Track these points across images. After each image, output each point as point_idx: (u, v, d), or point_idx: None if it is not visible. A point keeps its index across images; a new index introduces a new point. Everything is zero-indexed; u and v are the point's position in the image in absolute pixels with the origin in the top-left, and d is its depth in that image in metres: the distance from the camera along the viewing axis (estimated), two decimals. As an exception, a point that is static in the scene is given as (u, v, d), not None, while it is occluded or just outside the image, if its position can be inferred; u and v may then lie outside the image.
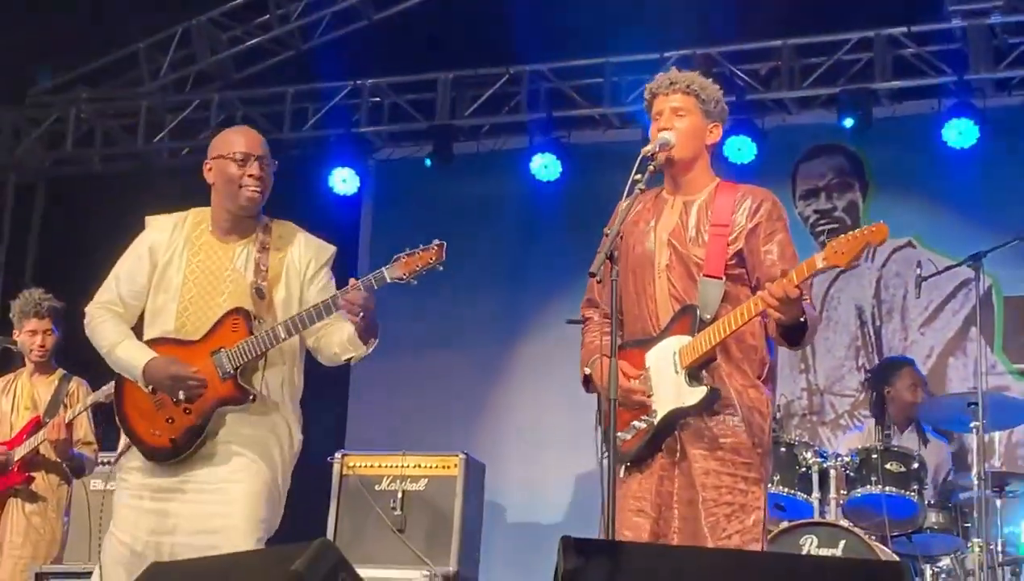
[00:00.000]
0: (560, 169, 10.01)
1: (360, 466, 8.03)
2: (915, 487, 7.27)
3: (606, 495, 4.29)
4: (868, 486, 7.24)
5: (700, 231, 4.90)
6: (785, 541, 6.76)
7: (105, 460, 7.45)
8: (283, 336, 4.91)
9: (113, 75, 11.15)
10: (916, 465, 7.33)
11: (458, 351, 10.35)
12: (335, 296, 4.87)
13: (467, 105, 10.45)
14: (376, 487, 7.93)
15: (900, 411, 8.13)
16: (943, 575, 7.35)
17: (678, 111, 4.94)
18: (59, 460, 7.09)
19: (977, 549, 7.12)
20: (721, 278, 4.82)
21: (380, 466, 8.00)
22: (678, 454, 4.78)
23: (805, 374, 9.60)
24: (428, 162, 10.38)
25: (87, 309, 5.18)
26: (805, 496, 7.25)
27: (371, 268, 4.97)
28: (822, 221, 9.96)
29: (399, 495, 7.87)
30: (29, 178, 11.49)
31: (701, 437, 4.75)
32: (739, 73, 9.61)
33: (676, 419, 4.77)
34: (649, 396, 4.81)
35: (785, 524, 6.95)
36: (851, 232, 4.50)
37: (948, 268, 8.25)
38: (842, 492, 7.25)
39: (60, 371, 7.36)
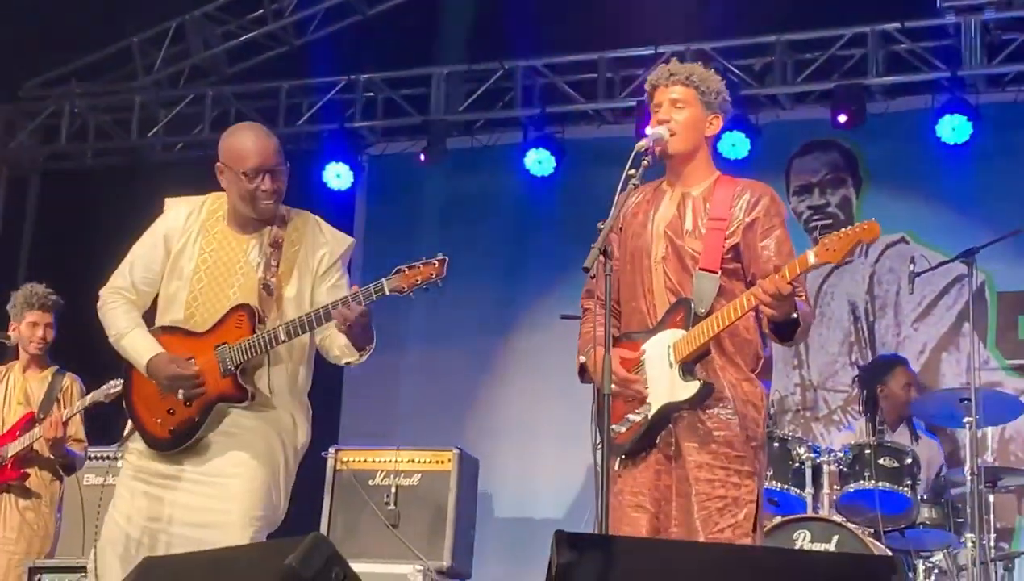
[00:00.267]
0: (554, 164, 10.01)
1: (354, 461, 8.04)
2: (908, 482, 7.28)
3: (601, 488, 4.30)
4: (861, 481, 7.24)
5: (697, 224, 4.91)
6: (778, 536, 6.76)
7: (99, 455, 7.46)
8: (282, 338, 4.90)
9: (107, 70, 11.15)
10: (909, 461, 7.34)
11: (452, 346, 10.36)
12: (331, 305, 4.84)
13: (461, 100, 10.46)
14: (369, 482, 7.93)
15: (893, 409, 8.15)
16: (936, 570, 7.36)
17: (677, 103, 4.95)
18: (54, 456, 7.09)
19: (970, 544, 7.12)
20: (717, 272, 4.83)
21: (374, 461, 8.01)
22: (672, 447, 4.79)
23: (798, 370, 9.61)
24: (422, 158, 10.38)
25: (101, 292, 5.17)
26: (798, 491, 7.26)
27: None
28: (816, 217, 9.97)
29: (393, 490, 7.87)
30: (22, 172, 11.50)
31: (695, 430, 4.76)
32: (733, 68, 9.60)
33: (669, 413, 4.78)
34: (645, 387, 4.82)
35: (778, 519, 6.96)
36: (843, 229, 4.52)
37: (941, 264, 8.25)
38: (835, 487, 7.26)
39: (53, 367, 7.36)
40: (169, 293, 5.07)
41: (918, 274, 9.01)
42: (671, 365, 4.77)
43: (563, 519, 9.09)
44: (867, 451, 7.31)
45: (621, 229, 4.98)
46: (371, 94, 10.68)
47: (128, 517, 4.94)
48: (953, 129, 9.23)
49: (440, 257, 4.85)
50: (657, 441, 4.81)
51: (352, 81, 10.62)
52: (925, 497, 7.43)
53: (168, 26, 10.89)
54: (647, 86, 5.06)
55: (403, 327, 10.36)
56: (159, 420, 5.00)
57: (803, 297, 4.72)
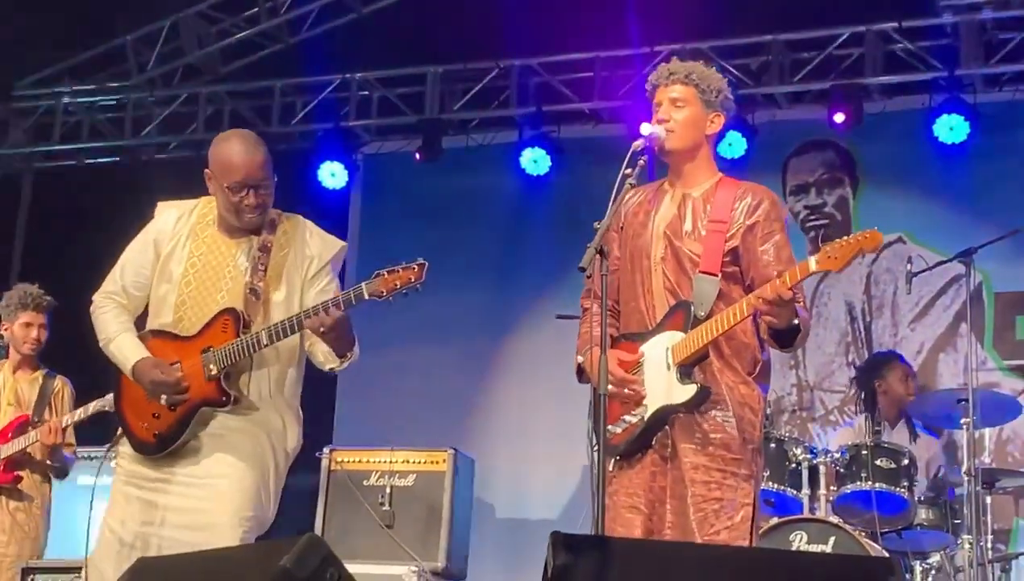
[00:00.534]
0: (550, 163, 10.02)
1: (348, 461, 8.05)
2: (905, 483, 7.28)
3: (596, 488, 4.30)
4: (858, 482, 7.25)
5: (697, 225, 4.91)
6: (775, 537, 6.77)
7: (88, 455, 7.45)
8: (265, 342, 4.91)
9: (100, 68, 11.15)
10: (906, 461, 7.35)
11: (447, 346, 10.36)
12: (316, 308, 4.83)
13: (456, 99, 10.47)
14: (364, 482, 7.94)
15: (892, 404, 8.15)
16: (933, 571, 7.36)
17: (676, 101, 4.95)
18: (50, 461, 7.11)
19: (967, 546, 7.13)
20: (717, 275, 4.83)
21: (368, 461, 8.02)
22: (669, 449, 4.79)
23: (795, 370, 9.62)
24: (417, 157, 10.38)
25: (94, 297, 5.19)
26: (795, 492, 7.26)
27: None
28: (812, 217, 9.98)
29: (387, 490, 7.88)
30: (15, 171, 11.49)
31: (691, 433, 4.76)
32: (729, 68, 9.59)
33: (666, 415, 4.78)
34: (643, 389, 4.82)
35: (775, 520, 6.97)
36: (845, 238, 4.54)
37: (939, 264, 8.26)
38: (832, 488, 7.27)
39: (43, 369, 7.36)
40: (159, 296, 5.09)
41: (915, 274, 9.01)
42: (669, 367, 4.78)
43: (558, 520, 9.10)
44: (864, 452, 7.32)
45: (622, 228, 5.00)
46: (366, 93, 10.69)
47: (121, 522, 4.97)
48: (950, 129, 9.24)
49: (420, 261, 4.82)
50: (653, 443, 4.82)
51: (347, 80, 10.63)
52: (922, 498, 7.44)
53: (162, 25, 10.89)
54: (648, 85, 5.06)
55: (397, 327, 10.35)
56: (145, 424, 5.03)
57: (802, 302, 4.73)
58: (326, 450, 8.13)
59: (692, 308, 4.79)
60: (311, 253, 5.11)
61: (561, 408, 8.15)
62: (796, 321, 4.63)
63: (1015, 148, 9.42)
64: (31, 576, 7.25)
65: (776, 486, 7.23)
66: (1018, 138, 9.45)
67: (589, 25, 9.72)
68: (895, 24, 9.53)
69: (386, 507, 7.84)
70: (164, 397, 4.95)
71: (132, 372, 4.98)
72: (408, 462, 7.96)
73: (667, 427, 4.79)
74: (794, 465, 7.32)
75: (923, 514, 7.40)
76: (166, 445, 4.96)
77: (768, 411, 5.59)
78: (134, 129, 10.98)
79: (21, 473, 7.20)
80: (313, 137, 10.70)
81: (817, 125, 9.87)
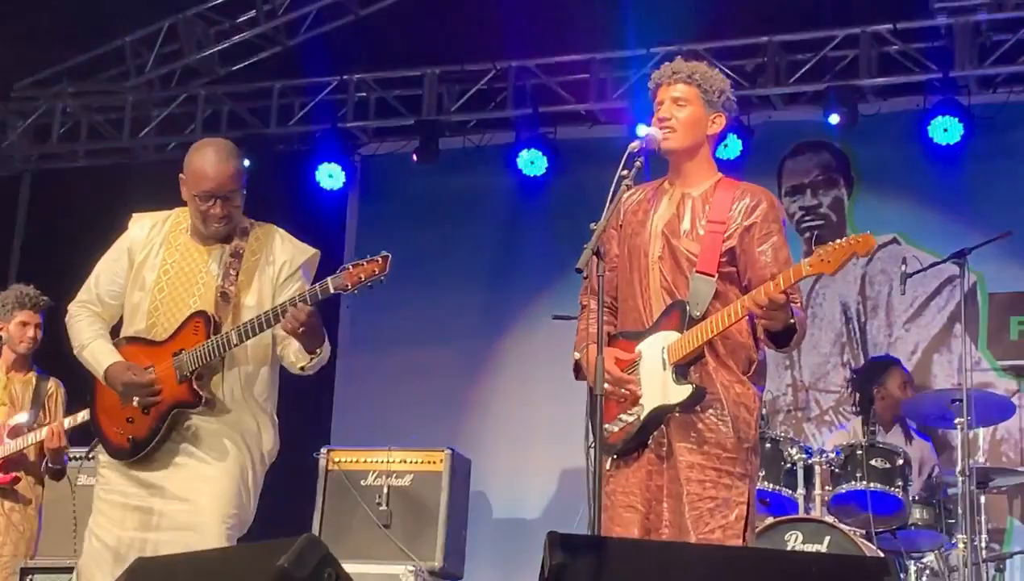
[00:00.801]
0: (546, 164, 10.03)
1: (346, 461, 8.05)
2: (900, 483, 7.29)
3: (593, 489, 4.30)
4: (853, 482, 7.26)
5: (695, 225, 4.91)
6: (770, 537, 6.77)
7: (77, 455, 7.44)
8: (235, 341, 4.95)
9: (99, 69, 11.14)
10: (901, 461, 7.36)
11: (443, 346, 10.37)
12: (283, 304, 4.88)
13: (453, 100, 10.47)
14: (362, 482, 7.94)
15: (888, 410, 8.16)
16: (927, 571, 7.37)
17: (678, 101, 4.96)
18: (51, 464, 7.12)
19: (961, 545, 7.13)
20: (713, 276, 4.83)
21: (366, 461, 8.02)
22: (665, 448, 4.79)
23: (790, 370, 9.62)
24: (414, 158, 10.39)
25: (69, 307, 5.27)
26: (790, 492, 7.27)
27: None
28: (807, 217, 9.98)
29: (384, 490, 7.88)
30: (14, 171, 11.49)
31: (687, 432, 4.77)
32: (725, 69, 9.53)
33: (662, 415, 4.79)
34: (639, 388, 4.82)
35: (770, 520, 6.97)
36: (839, 241, 4.55)
37: (933, 265, 8.29)
38: (827, 488, 7.27)
39: (34, 370, 7.37)
40: (132, 304, 5.15)
41: (910, 275, 9.02)
42: (665, 367, 4.78)
43: (555, 519, 9.09)
44: (859, 452, 7.33)
45: (621, 226, 5.00)
46: (363, 94, 10.69)
47: (106, 528, 5.02)
48: (945, 130, 9.25)
49: (383, 254, 4.87)
50: (649, 442, 4.82)
51: (344, 81, 10.63)
52: (917, 498, 7.44)
53: (160, 26, 10.88)
54: (650, 84, 5.07)
55: (394, 327, 10.37)
56: (119, 430, 5.08)
57: (799, 303, 4.73)
58: (323, 450, 8.13)
59: (688, 308, 4.80)
60: (282, 259, 5.16)
61: (558, 408, 8.16)
62: (792, 321, 4.63)
63: (1009, 150, 9.43)
64: (30, 576, 7.26)
65: (771, 486, 7.23)
66: (1012, 139, 9.46)
67: (585, 27, 9.73)
68: (890, 26, 9.54)
69: (383, 507, 7.84)
70: (136, 399, 4.99)
71: (105, 376, 5.04)
72: (405, 462, 7.97)
73: (663, 426, 4.79)
74: (789, 465, 7.32)
75: (917, 514, 7.41)
76: (140, 449, 5.01)
77: (764, 411, 5.59)
78: (132, 130, 10.97)
79: (18, 475, 7.21)
80: (311, 138, 10.70)
81: (812, 126, 9.89)
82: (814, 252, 4.57)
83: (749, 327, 4.82)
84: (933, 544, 7.45)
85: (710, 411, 4.77)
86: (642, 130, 4.88)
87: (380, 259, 4.86)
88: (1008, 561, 7.90)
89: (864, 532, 7.04)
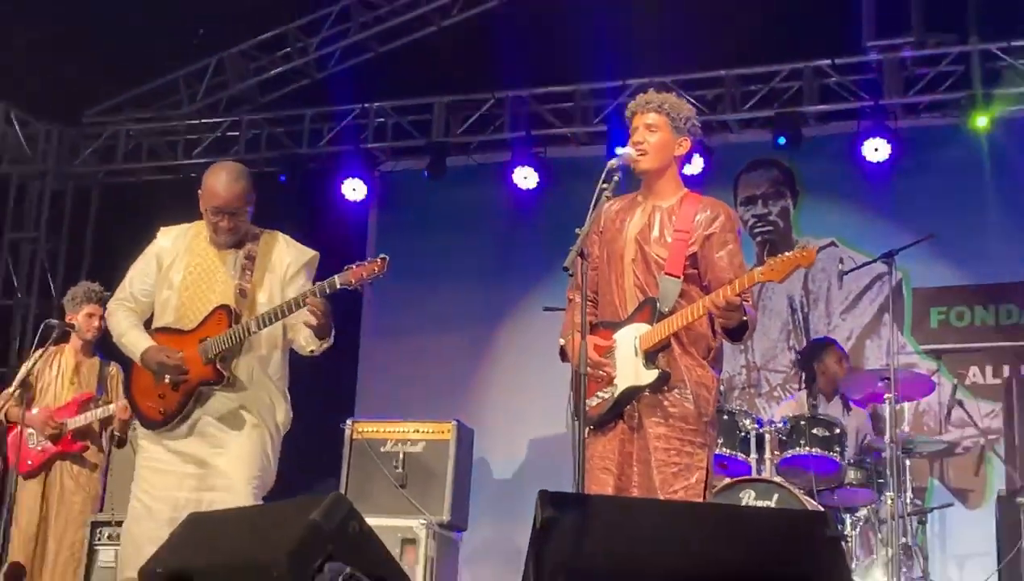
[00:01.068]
0: (537, 180, 10.01)
1: (367, 431, 8.05)
2: (837, 449, 7.31)
3: (576, 454, 4.32)
4: (798, 448, 7.28)
5: (664, 233, 4.93)
6: (727, 495, 6.79)
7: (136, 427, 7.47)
8: (254, 329, 5.03)
9: (157, 99, 11.13)
10: (838, 430, 7.38)
11: (451, 333, 10.36)
12: (300, 298, 4.94)
13: (458, 125, 10.46)
14: (381, 449, 7.94)
15: (828, 382, 8.18)
16: (861, 523, 7.39)
17: (651, 127, 4.97)
18: (118, 433, 7.14)
19: (889, 501, 7.15)
20: (680, 277, 4.85)
21: (384, 431, 8.02)
22: (636, 421, 4.81)
23: (744, 354, 9.63)
24: (425, 174, 10.40)
25: (108, 304, 5.42)
26: (744, 456, 7.29)
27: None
28: (759, 224, 9.99)
29: (400, 456, 7.89)
30: (85, 187, 11.48)
31: (655, 408, 4.79)
32: (689, 99, 9.57)
33: (633, 394, 4.81)
34: (614, 370, 4.84)
35: (727, 480, 6.99)
36: (786, 254, 4.58)
37: (865, 264, 8.30)
38: (776, 453, 7.29)
39: (98, 355, 7.38)
40: (162, 300, 5.22)
41: (846, 273, 9.10)
42: (637, 354, 4.80)
43: (544, 480, 9.08)
44: (802, 422, 7.35)
45: (602, 232, 5.02)
46: (382, 120, 10.67)
47: (146, 492, 5.10)
48: (875, 150, 9.24)
49: (382, 256, 4.92)
50: (623, 415, 4.84)
51: (366, 108, 10.61)
52: (852, 461, 7.46)
53: (209, 62, 10.89)
54: (627, 112, 5.08)
55: (409, 317, 10.38)
56: (151, 404, 5.15)
57: (750, 302, 4.76)
58: (348, 422, 8.13)
59: (658, 304, 4.81)
60: (287, 260, 5.22)
61: (547, 386, 8.15)
62: (745, 319, 4.67)
63: (930, 166, 9.43)
64: (99, 528, 7.27)
65: (728, 451, 7.25)
66: (933, 158, 9.46)
67: (570, 62, 9.73)
68: (828, 61, 9.53)
69: (399, 470, 7.84)
70: (168, 377, 5.06)
71: (141, 357, 5.11)
72: (418, 432, 7.97)
73: (635, 402, 4.81)
74: (743, 434, 7.34)
75: (852, 475, 7.43)
76: (170, 420, 5.08)
77: (721, 389, 5.60)
78: (185, 151, 10.96)
79: (86, 443, 7.23)
80: (337, 157, 10.68)
81: (763, 147, 9.87)
82: (765, 262, 4.59)
83: (708, 320, 4.84)
84: (866, 500, 7.46)
85: (675, 390, 4.79)
86: (620, 151, 4.89)
87: (379, 260, 4.91)
88: (928, 515, 7.93)
89: (807, 490, 7.05)
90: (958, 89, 9.26)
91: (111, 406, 7.15)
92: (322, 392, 8.48)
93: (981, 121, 9.16)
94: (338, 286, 4.91)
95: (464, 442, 8.04)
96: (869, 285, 9.44)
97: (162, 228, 5.36)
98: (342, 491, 7.63)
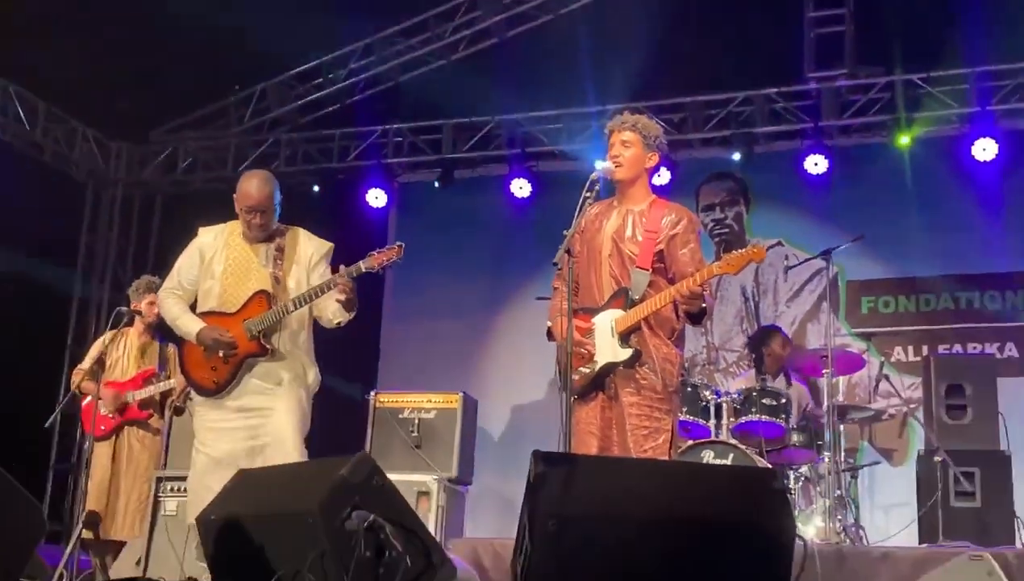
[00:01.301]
0: (531, 189, 10.01)
1: (388, 401, 8.03)
2: (783, 416, 7.31)
3: (564, 419, 4.32)
4: (750, 415, 7.27)
5: (635, 233, 4.94)
6: (690, 454, 6.78)
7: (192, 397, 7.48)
8: (292, 309, 5.12)
9: (211, 121, 11.12)
10: (784, 400, 7.37)
11: (458, 318, 10.35)
12: (330, 281, 5.03)
13: (464, 143, 10.44)
14: (400, 416, 7.93)
15: (774, 363, 8.18)
16: (803, 479, 7.39)
17: (626, 143, 4.98)
18: (178, 403, 7.15)
19: (827, 460, 7.15)
20: (649, 270, 4.87)
21: (403, 401, 8.00)
22: (612, 392, 4.82)
23: (705, 336, 9.62)
24: (436, 184, 10.39)
25: (158, 293, 5.53)
26: (705, 422, 7.28)
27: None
28: (717, 227, 9.98)
29: (416, 422, 7.87)
30: (150, 195, 11.47)
31: (629, 380, 4.80)
32: (659, 121, 9.55)
33: (610, 370, 4.81)
34: (594, 348, 4.84)
35: (690, 442, 6.98)
36: (741, 250, 4.62)
37: (807, 260, 8.30)
38: (731, 419, 7.28)
39: (157, 338, 7.39)
40: (205, 288, 5.27)
41: (790, 267, 9.09)
42: (613, 334, 4.81)
43: (537, 442, 9.09)
44: (754, 394, 7.34)
45: (583, 232, 5.02)
46: (400, 139, 10.66)
47: (208, 445, 5.15)
48: (815, 164, 9.24)
49: (399, 243, 5.03)
50: (603, 387, 4.84)
51: (387, 129, 10.60)
52: (795, 426, 7.45)
53: (254, 90, 10.88)
54: (606, 130, 5.10)
55: (422, 304, 10.37)
56: (205, 375, 5.21)
57: (708, 292, 4.78)
58: (372, 393, 8.12)
59: (630, 293, 4.82)
60: (310, 251, 5.30)
61: (539, 363, 8.16)
62: (704, 306, 4.68)
63: (861, 178, 9.42)
64: (162, 483, 7.27)
65: (692, 418, 7.24)
66: (863, 171, 9.45)
67: (559, 91, 9.73)
68: (776, 89, 9.53)
69: (415, 433, 7.83)
70: (221, 352, 5.11)
71: (196, 337, 5.16)
72: (430, 401, 7.96)
73: (612, 376, 4.81)
74: (704, 403, 7.33)
75: (795, 438, 7.42)
76: (223, 389, 5.15)
77: (685, 365, 5.60)
78: (234, 164, 10.93)
79: (151, 412, 7.24)
80: (362, 171, 10.65)
81: (721, 162, 9.88)
82: (722, 257, 4.63)
83: (673, 306, 4.85)
84: (807, 459, 7.46)
85: (645, 366, 4.80)
86: (599, 164, 4.91)
87: (397, 247, 5.02)
88: (860, 471, 7.93)
89: (758, 451, 7.06)
90: (885, 113, 9.27)
91: (171, 381, 7.17)
92: (350, 369, 8.48)
93: (904, 140, 9.20)
94: (363, 270, 4.99)
95: (469, 410, 8.03)
96: (810, 278, 9.43)
97: (201, 227, 5.42)
98: (367, 451, 7.64)
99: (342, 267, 5.04)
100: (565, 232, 4.54)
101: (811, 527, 7.07)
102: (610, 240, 4.96)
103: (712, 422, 7.27)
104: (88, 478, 6.93)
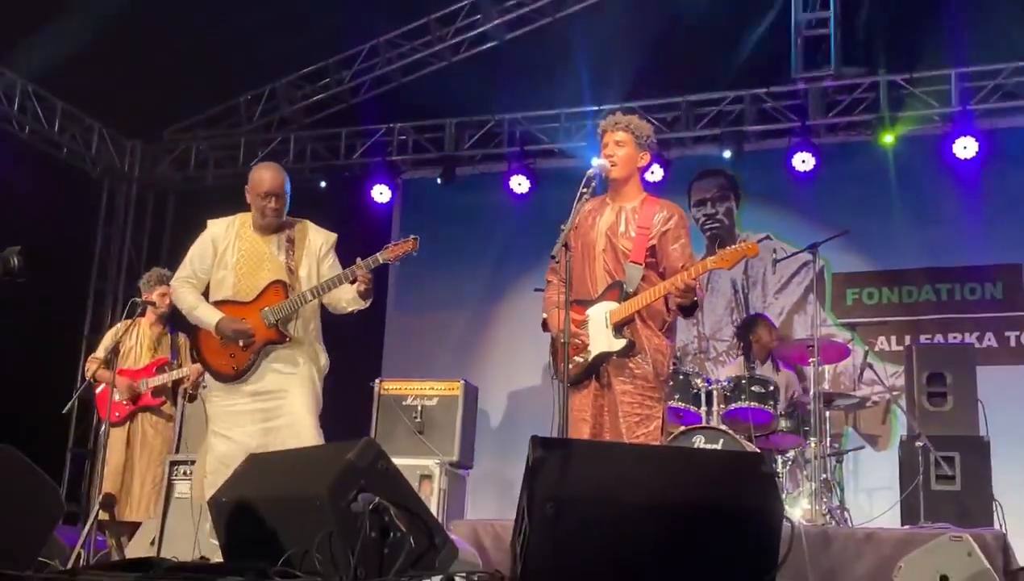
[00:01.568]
0: (529, 185, 10.01)
1: (392, 388, 8.05)
2: (771, 403, 7.32)
3: (560, 406, 4.34)
4: (739, 402, 7.28)
5: (628, 228, 4.95)
6: (682, 439, 6.80)
7: (204, 385, 7.49)
8: (309, 298, 5.15)
9: (222, 120, 11.12)
10: (772, 387, 7.39)
11: (459, 308, 10.36)
12: (350, 271, 5.05)
13: (465, 141, 10.45)
14: (403, 403, 7.95)
15: (761, 350, 8.19)
16: (790, 463, 7.40)
17: (619, 143, 4.99)
18: (191, 391, 7.16)
19: (813, 445, 7.17)
20: (642, 264, 4.88)
21: (406, 388, 8.02)
22: (606, 380, 4.83)
23: (696, 326, 9.63)
24: (439, 181, 10.39)
25: (171, 282, 5.47)
26: (696, 409, 7.29)
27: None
28: (708, 222, 9.98)
29: (419, 408, 7.89)
30: (164, 190, 11.47)
31: (622, 369, 4.81)
32: (651, 120, 9.48)
33: (604, 359, 4.82)
34: (588, 339, 4.85)
35: (682, 428, 7.00)
36: (734, 246, 4.61)
37: (794, 253, 8.30)
38: (721, 406, 7.29)
39: (167, 327, 7.39)
40: (218, 278, 5.27)
41: (778, 260, 9.09)
42: (607, 326, 4.81)
43: (534, 427, 9.09)
44: (743, 381, 7.36)
45: (577, 227, 5.02)
46: (404, 137, 10.66)
47: (226, 428, 5.16)
48: (803, 161, 9.23)
49: (414, 237, 5.07)
50: (597, 376, 4.85)
51: (391, 128, 10.60)
52: (782, 412, 7.46)
53: (263, 90, 10.87)
54: (599, 130, 5.11)
55: (425, 295, 10.38)
56: (223, 362, 5.22)
57: (699, 286, 4.79)
58: (377, 381, 8.14)
59: (624, 286, 4.82)
60: (319, 241, 5.31)
61: (536, 352, 8.14)
62: (695, 298, 4.69)
63: (846, 175, 9.42)
64: (175, 466, 7.28)
65: (683, 404, 7.26)
66: (849, 168, 9.44)
67: (556, 90, 9.72)
68: (765, 89, 9.53)
69: (418, 419, 7.85)
70: (241, 341, 5.12)
71: (216, 326, 5.15)
72: (433, 388, 7.98)
73: (605, 365, 4.82)
74: (695, 390, 7.35)
75: (783, 423, 7.44)
76: (242, 374, 5.16)
77: (676, 355, 5.61)
78: (244, 162, 10.93)
79: (164, 398, 7.24)
80: (367, 168, 10.66)
81: (712, 159, 9.87)
82: (716, 253, 4.63)
83: (663, 299, 4.85)
84: (794, 444, 7.48)
85: (638, 356, 4.81)
86: (594, 162, 4.91)
87: (412, 240, 5.07)
88: (844, 456, 7.94)
89: (747, 436, 7.07)
90: (869, 112, 9.27)
91: (184, 369, 7.17)
92: (356, 357, 8.48)
93: (888, 139, 9.19)
94: (380, 261, 5.03)
95: (470, 397, 8.05)
96: (797, 271, 9.44)
97: (210, 220, 5.43)
98: (372, 436, 7.65)
99: (359, 259, 5.05)
100: (562, 226, 4.55)
101: (798, 509, 7.09)
102: (604, 236, 4.97)
103: (703, 409, 7.28)
104: (104, 462, 6.93)
